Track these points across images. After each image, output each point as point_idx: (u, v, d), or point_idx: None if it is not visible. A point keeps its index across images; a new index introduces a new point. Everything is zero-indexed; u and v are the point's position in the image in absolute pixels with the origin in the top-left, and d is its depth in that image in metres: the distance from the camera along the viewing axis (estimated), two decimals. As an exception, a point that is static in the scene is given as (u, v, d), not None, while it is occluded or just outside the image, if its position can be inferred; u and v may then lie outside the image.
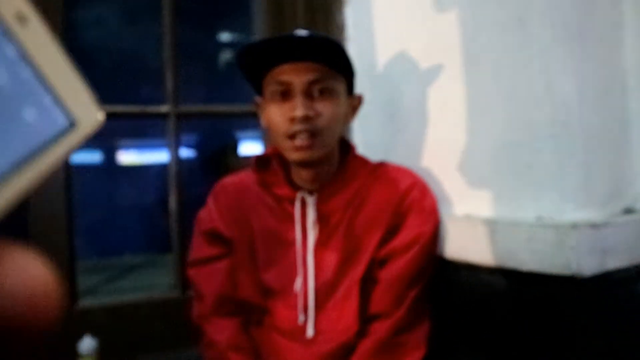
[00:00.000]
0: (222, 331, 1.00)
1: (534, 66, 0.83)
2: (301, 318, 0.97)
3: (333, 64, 0.94)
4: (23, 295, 0.17)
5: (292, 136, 0.93)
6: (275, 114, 0.94)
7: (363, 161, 1.05)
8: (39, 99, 0.20)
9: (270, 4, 1.46)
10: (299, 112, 0.91)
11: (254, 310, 1.02)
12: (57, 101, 0.20)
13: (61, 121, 0.20)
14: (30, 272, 0.18)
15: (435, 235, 0.98)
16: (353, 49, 1.30)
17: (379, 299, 0.96)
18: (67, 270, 1.27)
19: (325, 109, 0.93)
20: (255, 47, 0.93)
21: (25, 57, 0.19)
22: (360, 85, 1.04)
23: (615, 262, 0.76)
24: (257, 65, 0.95)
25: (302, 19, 1.45)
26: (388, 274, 0.96)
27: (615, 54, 0.84)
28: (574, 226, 0.74)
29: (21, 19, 0.19)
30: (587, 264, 0.74)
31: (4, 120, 0.18)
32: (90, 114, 0.21)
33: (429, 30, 1.06)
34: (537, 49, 0.83)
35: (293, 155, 0.94)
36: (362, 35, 1.29)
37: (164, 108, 1.38)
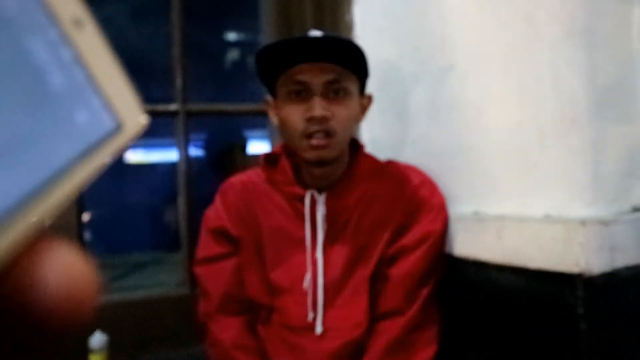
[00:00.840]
0: (226, 330, 1.00)
1: (542, 63, 0.83)
2: (310, 315, 0.98)
3: (348, 65, 0.94)
4: (63, 289, 0.18)
5: (308, 136, 0.93)
6: (291, 114, 0.95)
7: (372, 160, 1.05)
8: (90, 101, 0.20)
9: (278, 3, 1.46)
10: (317, 112, 0.91)
11: (261, 308, 1.03)
12: (107, 104, 0.21)
13: (109, 123, 0.21)
14: (70, 265, 0.18)
15: (444, 233, 0.99)
16: (361, 48, 1.30)
17: (390, 296, 0.97)
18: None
19: (340, 109, 0.94)
20: (275, 48, 0.93)
21: (79, 61, 0.20)
22: (369, 84, 1.05)
23: (623, 259, 0.76)
24: (274, 65, 0.96)
25: (310, 17, 1.45)
26: (398, 271, 0.97)
27: (623, 49, 0.84)
28: (583, 223, 0.74)
29: (77, 23, 0.20)
30: (595, 261, 0.74)
31: (58, 120, 0.19)
32: (135, 117, 0.21)
33: (437, 28, 1.06)
34: (546, 46, 0.83)
35: (308, 155, 0.95)
36: (370, 33, 1.30)
37: (173, 106, 1.39)
